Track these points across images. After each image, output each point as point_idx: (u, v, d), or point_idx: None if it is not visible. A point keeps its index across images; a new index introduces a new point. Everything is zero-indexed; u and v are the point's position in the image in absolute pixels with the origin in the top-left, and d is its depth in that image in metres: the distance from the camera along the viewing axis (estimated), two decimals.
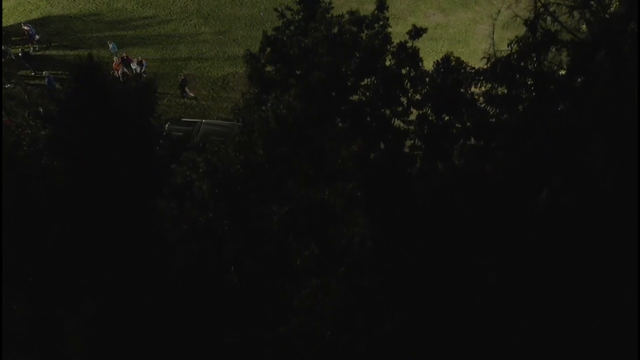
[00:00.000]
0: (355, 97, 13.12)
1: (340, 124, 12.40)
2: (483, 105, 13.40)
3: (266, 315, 12.81)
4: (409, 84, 13.17)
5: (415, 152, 12.56)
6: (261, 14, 31.34)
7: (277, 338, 13.40)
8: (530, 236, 14.06)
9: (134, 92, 18.29)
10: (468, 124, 12.68)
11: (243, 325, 12.79)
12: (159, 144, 18.07)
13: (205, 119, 25.55)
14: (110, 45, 29.73)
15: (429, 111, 12.75)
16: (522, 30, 14.45)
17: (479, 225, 13.66)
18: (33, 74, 28.95)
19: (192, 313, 13.98)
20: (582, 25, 14.44)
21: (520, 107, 13.19)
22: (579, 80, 14.25)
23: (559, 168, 15.35)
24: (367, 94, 13.06)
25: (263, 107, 11.12)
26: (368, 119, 12.31)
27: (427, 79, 13.07)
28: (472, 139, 13.43)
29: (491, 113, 13.41)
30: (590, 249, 13.20)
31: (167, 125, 22.63)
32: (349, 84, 12.58)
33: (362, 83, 13.37)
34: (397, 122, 13.44)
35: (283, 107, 10.23)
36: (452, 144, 12.73)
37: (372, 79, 13.12)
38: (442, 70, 12.87)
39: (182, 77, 27.71)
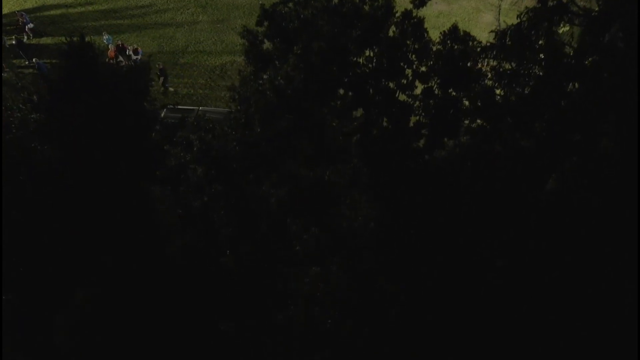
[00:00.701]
0: (357, 70, 12.54)
1: (341, 98, 11.81)
2: (491, 82, 12.86)
3: (264, 302, 12.30)
4: (413, 56, 12.58)
5: (422, 131, 11.94)
6: (260, 1, 30.79)
7: (275, 325, 12.90)
8: (534, 226, 13.62)
9: (127, 74, 17.85)
10: (476, 101, 12.13)
11: (239, 312, 12.28)
12: (154, 129, 17.56)
13: (202, 107, 25.18)
14: (105, 37, 29.22)
15: (435, 85, 12.13)
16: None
17: (482, 213, 13.19)
18: (27, 62, 28.49)
19: (186, 300, 13.48)
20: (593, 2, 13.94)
21: (529, 84, 12.68)
22: (591, 59, 13.75)
23: (568, 152, 14.87)
24: (370, 65, 12.53)
25: (260, 81, 10.57)
26: (371, 91, 11.69)
27: (433, 50, 12.52)
28: (478, 120, 12.94)
29: (499, 92, 12.89)
30: (594, 243, 12.78)
31: (163, 112, 22.24)
32: (350, 55, 11.96)
33: (364, 54, 12.84)
34: (401, 97, 12.86)
35: (281, 78, 9.66)
36: (459, 121, 12.16)
37: (375, 50, 12.54)
38: (448, 41, 12.27)
39: (160, 67, 27.08)
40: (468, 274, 12.96)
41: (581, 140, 14.85)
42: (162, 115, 21.81)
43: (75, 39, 15.64)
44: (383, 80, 11.77)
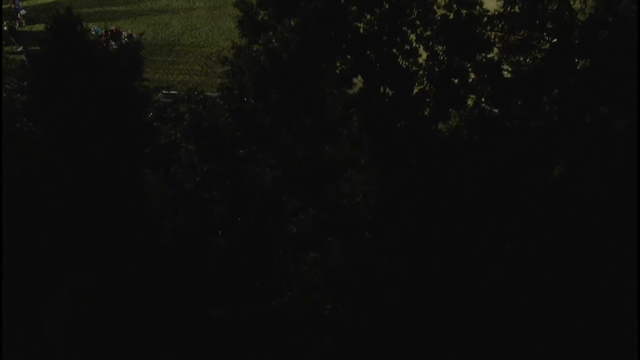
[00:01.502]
0: (357, 35, 11.67)
1: (340, 66, 11.06)
2: (498, 56, 12.16)
3: (259, 286, 11.68)
4: (417, 21, 11.64)
5: (427, 99, 11.18)
6: None
7: (271, 311, 12.28)
8: (538, 215, 13.06)
9: (117, 51, 17.19)
10: (483, 73, 11.42)
11: (233, 297, 11.65)
12: (146, 110, 16.89)
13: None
14: (93, 30, 28.72)
15: (440, 51, 11.37)
16: None
17: (485, 199, 12.62)
18: (19, 49, 27.93)
19: (178, 287, 12.87)
20: None
21: (538, 56, 11.98)
22: (603, 32, 13.11)
23: (577, 133, 14.28)
24: (371, 29, 11.67)
25: (254, 49, 9.87)
26: (372, 56, 10.94)
27: (438, 14, 11.54)
28: (485, 94, 12.26)
29: (506, 67, 12.20)
30: (597, 237, 12.26)
31: (159, 96, 21.75)
32: (350, 19, 11.14)
33: (365, 18, 11.91)
34: (404, 64, 12.09)
35: (276, 41, 8.96)
36: (465, 91, 11.43)
37: (376, 13, 11.59)
38: (455, 5, 11.34)
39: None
40: (469, 264, 12.46)
41: (591, 122, 14.27)
42: (158, 97, 21.34)
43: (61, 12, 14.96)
44: (384, 46, 10.96)
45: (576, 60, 13.22)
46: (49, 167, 14.62)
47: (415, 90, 10.69)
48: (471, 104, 11.26)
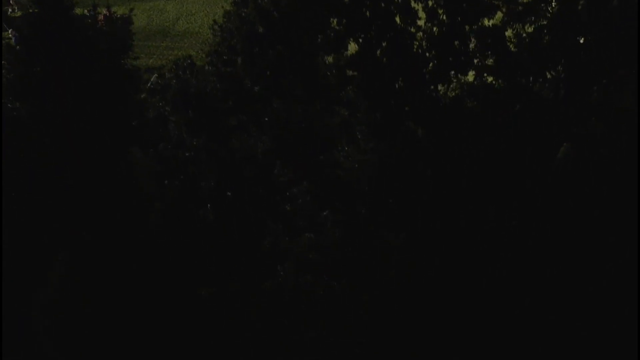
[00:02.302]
0: None
1: (334, 25, 10.50)
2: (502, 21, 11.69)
3: (249, 265, 11.19)
4: None
5: (427, 54, 10.60)
6: None
7: (262, 293, 11.78)
8: (539, 204, 12.61)
9: (106, 27, 16.76)
10: (486, 39, 10.91)
11: (221, 275, 11.16)
12: (135, 87, 16.44)
13: None
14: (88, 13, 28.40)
15: (441, 13, 10.76)
16: None
17: (483, 184, 12.15)
18: (10, 34, 27.53)
19: (166, 266, 12.39)
20: None
21: (544, 23, 11.48)
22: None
23: (584, 110, 13.81)
24: None
25: (244, 10, 9.37)
26: (367, 14, 10.32)
27: None
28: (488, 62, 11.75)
29: (509, 33, 11.71)
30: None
31: (153, 78, 21.41)
32: None
33: None
34: (401, 26, 11.51)
35: None
36: (467, 55, 10.87)
37: None
38: None
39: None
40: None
41: (600, 101, 13.78)
42: (152, 80, 21.01)
43: None
44: (382, 2, 10.38)
45: (581, 32, 12.78)
46: (32, 143, 14.19)
47: (414, 50, 10.13)
48: (472, 77, 10.74)
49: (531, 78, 13.55)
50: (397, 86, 9.41)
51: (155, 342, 13.44)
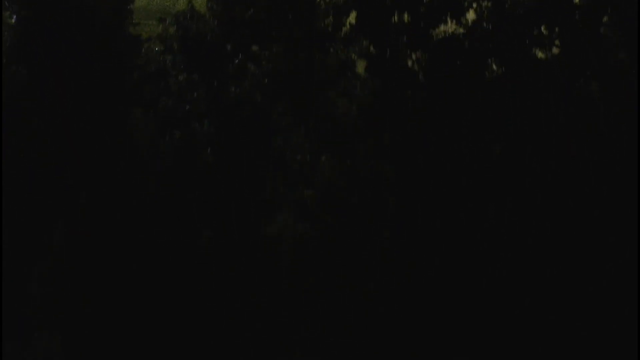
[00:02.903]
0: None
1: None
2: None
3: (248, 209, 11.25)
4: None
5: None
6: None
7: (261, 240, 11.83)
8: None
9: None
10: None
11: (220, 218, 11.21)
12: (139, 52, 16.50)
13: None
14: None
15: None
16: None
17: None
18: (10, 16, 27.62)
19: (164, 206, 12.38)
20: None
21: None
22: None
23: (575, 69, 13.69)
24: None
25: None
26: None
27: None
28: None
29: None
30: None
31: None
32: None
33: None
34: None
35: None
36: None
37: None
38: None
39: None
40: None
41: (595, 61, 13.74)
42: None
43: None
44: None
45: None
46: (31, 105, 14.27)
47: None
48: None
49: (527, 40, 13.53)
50: (394, 20, 9.43)
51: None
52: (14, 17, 24.51)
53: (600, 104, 13.29)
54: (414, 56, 10.06)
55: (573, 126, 12.95)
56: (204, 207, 11.77)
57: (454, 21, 10.20)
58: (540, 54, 13.97)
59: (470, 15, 11.00)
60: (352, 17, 11.57)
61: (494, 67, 10.37)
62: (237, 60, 10.16)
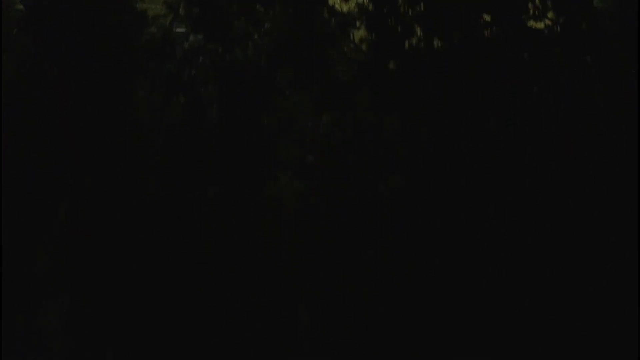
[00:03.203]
0: None
1: None
2: None
3: (253, 168, 11.26)
4: None
5: None
6: None
7: (263, 197, 11.84)
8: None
9: None
10: None
11: (224, 175, 11.22)
12: (143, 26, 16.44)
13: None
14: None
15: None
16: None
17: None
18: (22, 6, 27.60)
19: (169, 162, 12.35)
20: None
21: None
22: None
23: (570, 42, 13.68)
24: None
25: None
26: None
27: None
28: None
29: None
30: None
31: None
32: None
33: None
34: None
35: None
36: None
37: None
38: None
39: None
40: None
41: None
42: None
43: None
44: None
45: None
46: (39, 76, 14.21)
47: None
48: None
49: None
50: None
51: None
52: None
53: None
54: (410, 12, 9.98)
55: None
56: (209, 166, 11.81)
57: None
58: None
59: None
60: None
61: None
62: (241, 22, 10.32)
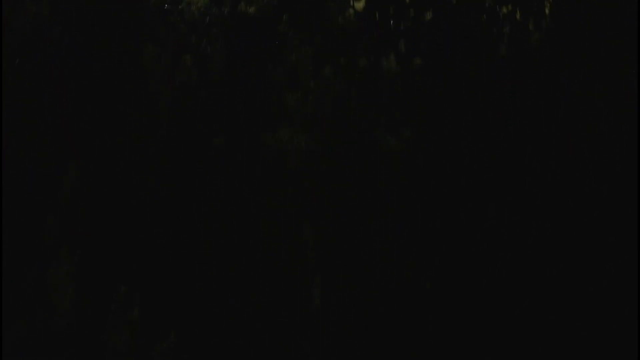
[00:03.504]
0: None
1: None
2: None
3: (256, 120, 11.31)
4: None
5: None
6: None
7: (267, 150, 11.92)
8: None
9: None
10: None
11: (229, 126, 11.29)
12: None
13: None
14: None
15: None
16: None
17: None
18: None
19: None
20: None
21: None
22: None
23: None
24: None
25: None
26: None
27: None
28: None
29: None
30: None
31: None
32: None
33: None
34: None
35: None
36: None
37: None
38: None
39: None
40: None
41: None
42: None
43: None
44: None
45: None
46: (49, 45, 14.14)
47: None
48: None
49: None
50: None
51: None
52: None
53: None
54: None
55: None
56: (214, 117, 11.86)
57: None
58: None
59: None
60: None
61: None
62: None
